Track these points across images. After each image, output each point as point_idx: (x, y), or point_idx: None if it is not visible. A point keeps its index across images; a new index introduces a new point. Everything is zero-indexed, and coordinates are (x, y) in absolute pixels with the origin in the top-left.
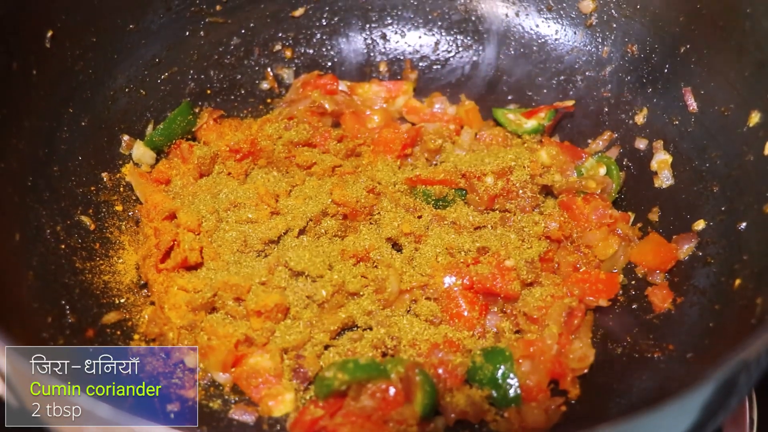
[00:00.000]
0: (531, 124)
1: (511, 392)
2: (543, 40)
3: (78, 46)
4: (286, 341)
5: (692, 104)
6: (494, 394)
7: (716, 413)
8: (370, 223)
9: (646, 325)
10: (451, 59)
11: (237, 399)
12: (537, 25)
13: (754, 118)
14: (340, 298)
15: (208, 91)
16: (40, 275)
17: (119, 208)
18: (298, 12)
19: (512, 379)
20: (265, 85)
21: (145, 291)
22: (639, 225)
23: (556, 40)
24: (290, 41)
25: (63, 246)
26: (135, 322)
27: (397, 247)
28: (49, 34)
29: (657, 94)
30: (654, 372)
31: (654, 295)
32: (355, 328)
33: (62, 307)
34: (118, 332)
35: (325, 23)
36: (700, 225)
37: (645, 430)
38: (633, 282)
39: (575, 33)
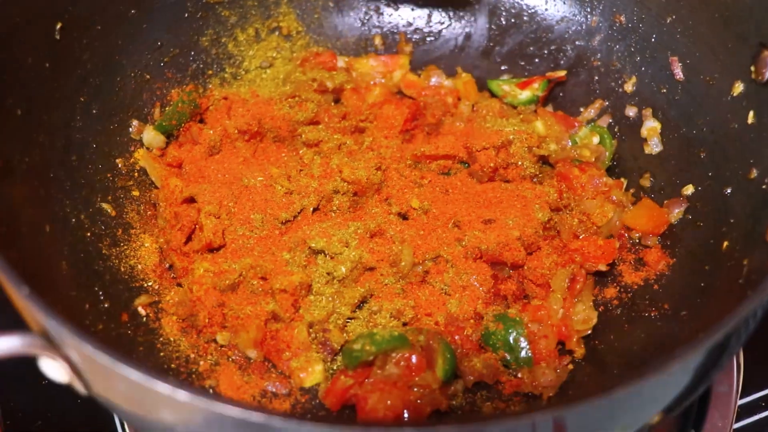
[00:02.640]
0: (525, 94)
1: (523, 354)
2: (533, 10)
3: (85, 36)
4: (312, 316)
5: (679, 73)
6: (507, 357)
7: (710, 371)
8: (379, 199)
9: (642, 286)
10: (444, 31)
11: (269, 372)
12: None
13: (738, 88)
14: (357, 273)
15: (210, 72)
16: (73, 264)
17: (136, 193)
18: None
19: (523, 342)
20: (264, 63)
21: (171, 273)
22: (632, 191)
23: (545, 10)
24: (287, 18)
25: (89, 234)
26: (165, 304)
27: (405, 218)
28: (59, 26)
29: (645, 62)
30: (652, 330)
31: (649, 258)
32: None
33: (96, 293)
34: (151, 314)
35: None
36: (689, 190)
37: (648, 391)
38: (629, 246)
39: (564, 3)
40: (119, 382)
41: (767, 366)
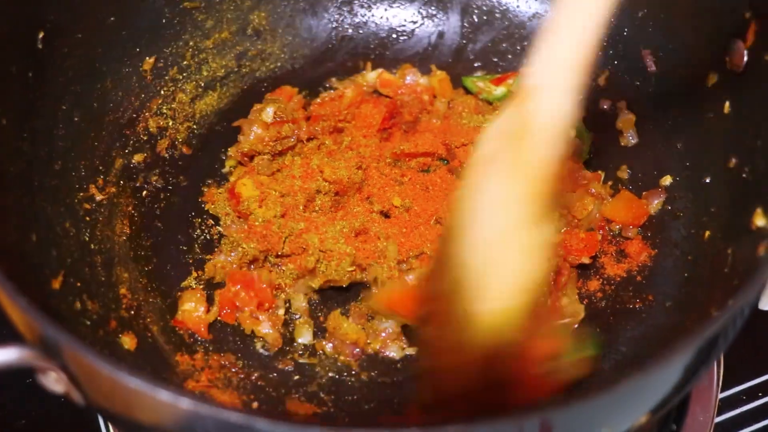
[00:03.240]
0: (500, 90)
1: None
2: (505, 7)
3: (65, 44)
4: None
5: (651, 66)
6: None
7: (697, 371)
8: (361, 198)
9: (626, 278)
10: (417, 30)
11: None
12: None
13: (712, 78)
14: None
15: (185, 75)
16: (59, 272)
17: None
18: None
19: None
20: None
21: None
22: (610, 183)
23: (517, 7)
24: (264, 22)
25: (74, 241)
26: None
27: (387, 216)
28: (41, 35)
29: (617, 56)
30: (638, 322)
31: (630, 249)
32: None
33: (84, 301)
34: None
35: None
36: (667, 180)
37: (637, 392)
38: (609, 238)
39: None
40: (120, 391)
41: (748, 359)
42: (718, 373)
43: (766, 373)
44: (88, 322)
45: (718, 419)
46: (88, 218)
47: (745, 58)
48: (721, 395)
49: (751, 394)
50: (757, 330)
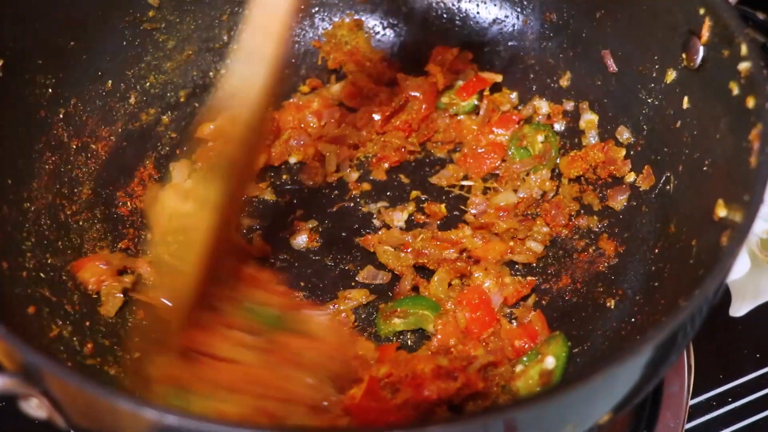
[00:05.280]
0: (468, 103)
1: None
2: (464, 14)
3: (27, 71)
4: None
5: (612, 65)
6: None
7: (658, 368)
8: None
9: (595, 274)
10: (379, 39)
11: None
12: (458, 0)
13: (670, 75)
14: None
15: (148, 95)
16: (34, 300)
17: None
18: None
19: None
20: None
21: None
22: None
23: (477, 13)
24: (224, 40)
25: (42, 275)
26: None
27: None
28: (0, 63)
29: (578, 57)
30: (608, 317)
31: (599, 246)
32: None
33: (60, 326)
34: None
35: None
36: (630, 177)
37: (598, 390)
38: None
39: (494, 5)
40: (106, 412)
41: (717, 366)
42: (689, 379)
43: (736, 380)
44: (63, 347)
45: (688, 425)
46: (60, 244)
47: (701, 55)
48: (691, 401)
49: (721, 400)
50: (727, 337)
